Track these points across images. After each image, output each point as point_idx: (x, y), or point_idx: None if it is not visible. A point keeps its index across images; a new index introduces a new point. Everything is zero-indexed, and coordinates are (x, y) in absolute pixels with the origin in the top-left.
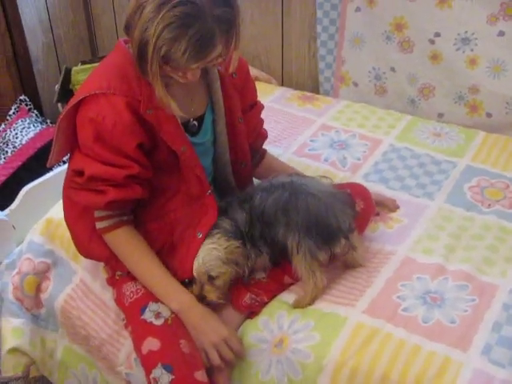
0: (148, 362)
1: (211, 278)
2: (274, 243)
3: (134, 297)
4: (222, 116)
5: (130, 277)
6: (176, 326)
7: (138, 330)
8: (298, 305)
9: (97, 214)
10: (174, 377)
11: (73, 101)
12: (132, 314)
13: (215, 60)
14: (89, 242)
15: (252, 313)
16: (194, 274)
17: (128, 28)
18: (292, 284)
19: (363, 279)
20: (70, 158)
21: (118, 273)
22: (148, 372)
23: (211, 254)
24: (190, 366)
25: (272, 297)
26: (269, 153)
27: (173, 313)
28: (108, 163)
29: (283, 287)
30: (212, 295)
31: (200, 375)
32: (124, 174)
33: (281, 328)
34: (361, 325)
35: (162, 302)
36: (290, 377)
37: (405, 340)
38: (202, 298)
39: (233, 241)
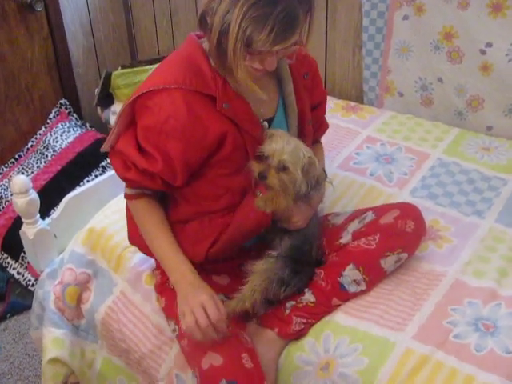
0: (210, 378)
1: (282, 168)
2: None
3: None
4: (295, 118)
5: None
6: (236, 340)
7: (196, 345)
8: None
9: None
10: None
11: (139, 90)
12: None
13: (293, 46)
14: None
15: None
16: (272, 151)
17: (204, 18)
18: (340, 305)
19: (412, 302)
20: None
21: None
22: None
23: (298, 151)
24: (254, 380)
25: (320, 319)
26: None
27: (232, 325)
28: (139, 147)
29: (331, 309)
30: (274, 180)
31: None
32: (144, 166)
33: (327, 351)
34: (410, 351)
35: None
36: None
37: (457, 369)
38: (262, 177)
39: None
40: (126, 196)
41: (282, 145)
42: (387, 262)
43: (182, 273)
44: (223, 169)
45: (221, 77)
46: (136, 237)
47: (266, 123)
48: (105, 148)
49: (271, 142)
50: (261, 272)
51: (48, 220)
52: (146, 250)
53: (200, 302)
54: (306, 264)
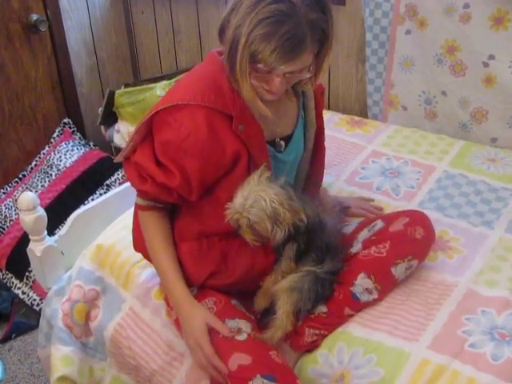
0: (241, 376)
1: (250, 225)
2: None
3: None
4: (313, 133)
5: (200, 294)
6: (260, 340)
7: (220, 348)
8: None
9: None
10: None
11: (159, 105)
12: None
13: (303, 72)
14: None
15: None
16: (235, 212)
17: (222, 31)
18: (352, 315)
19: (424, 312)
20: None
21: None
22: None
23: (260, 202)
24: (290, 373)
25: (333, 330)
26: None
27: (253, 329)
28: (157, 161)
29: (344, 320)
30: (248, 236)
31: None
32: (161, 180)
33: (341, 362)
34: (426, 361)
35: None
36: None
37: (475, 379)
38: (239, 234)
39: (284, 207)
40: (138, 206)
41: (242, 201)
42: (398, 270)
43: (177, 298)
44: (228, 192)
45: (240, 97)
46: (141, 244)
47: (282, 142)
48: (118, 159)
49: (235, 198)
50: (288, 292)
51: (55, 237)
52: (150, 257)
53: (196, 342)
54: (328, 277)
